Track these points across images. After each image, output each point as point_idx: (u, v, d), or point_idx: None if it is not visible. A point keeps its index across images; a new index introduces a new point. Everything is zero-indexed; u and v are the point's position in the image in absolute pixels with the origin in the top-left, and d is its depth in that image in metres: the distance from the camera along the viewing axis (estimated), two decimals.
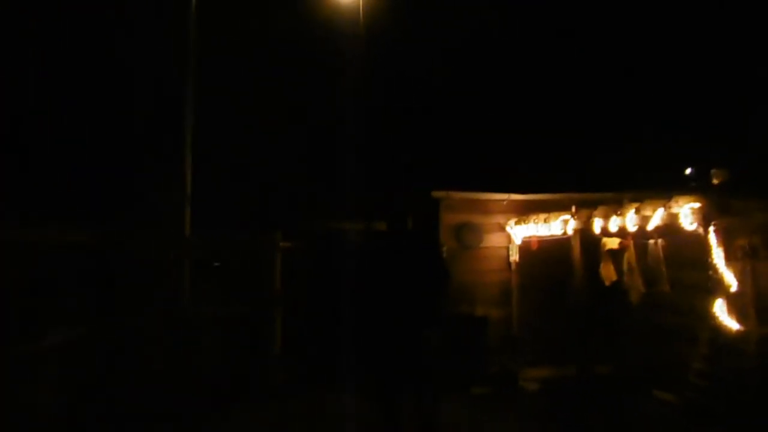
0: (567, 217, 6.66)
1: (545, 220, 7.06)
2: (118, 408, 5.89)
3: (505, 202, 7.99)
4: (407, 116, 11.08)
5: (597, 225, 6.05)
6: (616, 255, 6.66)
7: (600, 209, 6.00)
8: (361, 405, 6.76)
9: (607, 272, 6.71)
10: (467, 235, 7.85)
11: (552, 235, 7.00)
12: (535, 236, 7.44)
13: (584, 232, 6.49)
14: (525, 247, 7.77)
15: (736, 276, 4.54)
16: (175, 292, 5.31)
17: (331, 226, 8.65)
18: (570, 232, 6.67)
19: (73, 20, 8.11)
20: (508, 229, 7.91)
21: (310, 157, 10.53)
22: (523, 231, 7.66)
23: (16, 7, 7.70)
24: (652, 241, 5.82)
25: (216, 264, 7.06)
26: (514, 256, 7.88)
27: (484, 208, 7.98)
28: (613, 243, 6.45)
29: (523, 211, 7.80)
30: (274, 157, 10.09)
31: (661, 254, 5.86)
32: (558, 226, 6.83)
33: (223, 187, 8.54)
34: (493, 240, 7.97)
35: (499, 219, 7.97)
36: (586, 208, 6.44)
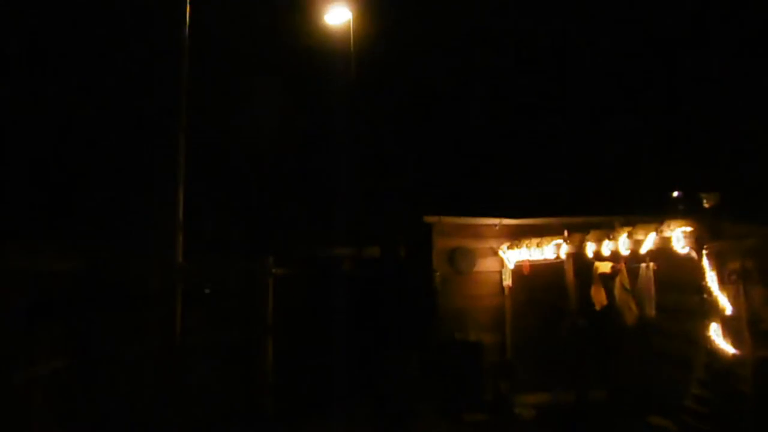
0: (559, 241, 6.67)
1: (538, 245, 7.06)
2: None
3: (497, 227, 8.01)
4: (399, 141, 11.15)
5: (590, 249, 6.06)
6: (607, 279, 6.66)
7: (592, 233, 6.02)
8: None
9: (598, 296, 6.69)
10: (460, 260, 7.84)
11: (545, 260, 7.00)
12: (527, 260, 7.43)
13: (577, 256, 6.49)
14: (518, 272, 7.76)
15: (729, 299, 4.54)
16: (167, 319, 5.23)
17: (324, 253, 8.61)
18: (563, 256, 6.67)
19: (70, 45, 8.15)
20: (501, 253, 7.92)
21: (303, 183, 10.53)
22: (516, 255, 7.66)
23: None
24: (643, 265, 5.83)
25: (207, 290, 6.98)
26: (508, 281, 7.87)
27: (477, 233, 8.00)
28: (605, 267, 6.45)
29: (516, 236, 7.82)
30: (267, 184, 10.09)
31: (652, 278, 5.85)
32: (551, 250, 6.83)
33: (217, 214, 8.50)
34: (486, 264, 7.96)
35: (491, 243, 7.98)
36: (578, 232, 6.46)
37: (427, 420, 7.19)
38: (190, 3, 6.23)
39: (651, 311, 5.73)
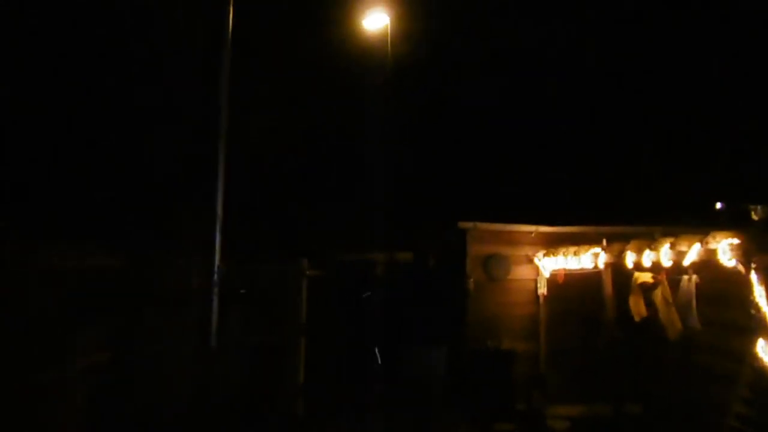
0: (598, 250, 6.54)
1: (575, 253, 6.95)
2: None
3: (533, 234, 7.91)
4: (435, 146, 11.12)
5: (629, 259, 5.92)
6: (647, 290, 6.50)
7: (633, 243, 5.87)
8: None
9: (637, 307, 6.52)
10: (494, 267, 7.77)
11: (582, 269, 6.88)
12: (564, 269, 7.32)
13: (616, 266, 6.36)
14: (554, 280, 7.65)
15: None
16: (203, 319, 5.32)
17: (358, 256, 8.65)
18: (601, 265, 6.54)
19: (108, 47, 8.32)
20: (536, 261, 7.82)
21: (337, 186, 10.58)
22: (552, 264, 7.55)
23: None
24: (686, 277, 5.65)
25: (242, 291, 7.07)
26: (543, 289, 7.76)
27: (512, 240, 7.91)
28: (645, 277, 6.29)
29: (552, 244, 7.72)
30: (301, 187, 10.17)
31: (693, 290, 5.67)
32: (588, 259, 6.71)
33: (251, 216, 8.60)
34: (521, 272, 7.87)
35: (527, 251, 7.89)
36: (616, 241, 6.33)
37: (456, 428, 7.14)
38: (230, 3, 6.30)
39: (696, 324, 5.55)
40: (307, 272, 7.54)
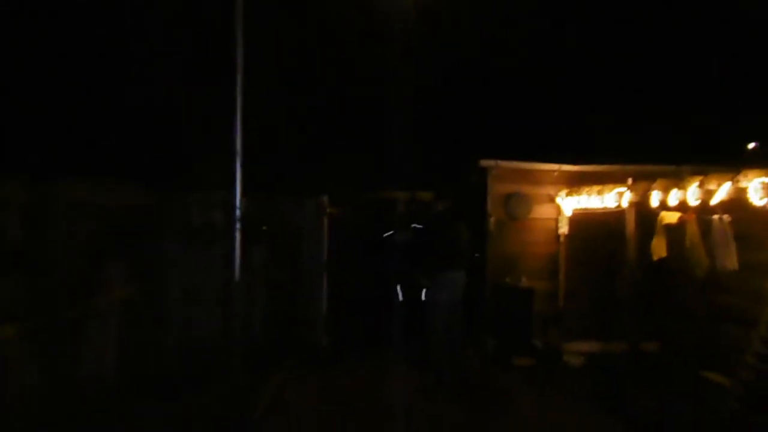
0: (623, 189, 6.44)
1: (598, 192, 6.85)
2: (166, 367, 6.11)
3: (555, 173, 7.79)
4: (456, 84, 10.84)
5: (655, 198, 5.82)
6: (672, 230, 6.42)
7: (659, 182, 5.76)
8: (404, 368, 6.89)
9: (658, 247, 6.46)
10: (515, 206, 7.71)
11: (605, 208, 6.79)
12: (586, 208, 7.24)
13: (640, 205, 6.26)
14: (575, 220, 7.59)
15: None
16: (227, 255, 5.42)
17: (378, 195, 8.64)
18: (625, 205, 6.45)
19: None
20: (558, 200, 7.73)
21: (358, 124, 10.45)
22: (573, 203, 7.47)
23: None
24: (716, 217, 5.54)
25: (264, 228, 7.15)
26: (563, 229, 7.71)
27: (534, 179, 7.81)
28: (671, 218, 6.20)
29: (575, 183, 7.60)
30: (322, 126, 10.06)
31: (728, 230, 5.54)
32: (612, 198, 6.62)
33: (272, 153, 8.58)
34: (542, 211, 7.81)
35: (549, 190, 7.79)
36: (642, 180, 6.21)
37: (475, 361, 7.32)
38: None
39: (733, 264, 5.45)
40: (328, 209, 7.58)
